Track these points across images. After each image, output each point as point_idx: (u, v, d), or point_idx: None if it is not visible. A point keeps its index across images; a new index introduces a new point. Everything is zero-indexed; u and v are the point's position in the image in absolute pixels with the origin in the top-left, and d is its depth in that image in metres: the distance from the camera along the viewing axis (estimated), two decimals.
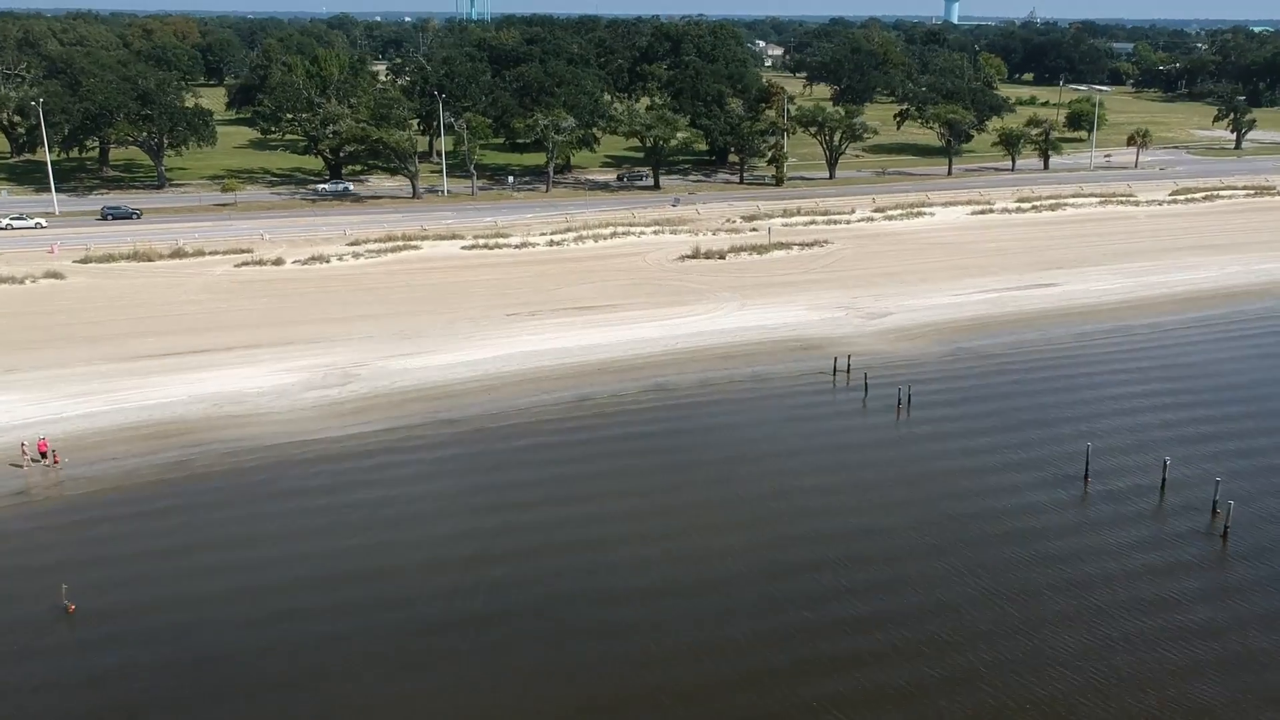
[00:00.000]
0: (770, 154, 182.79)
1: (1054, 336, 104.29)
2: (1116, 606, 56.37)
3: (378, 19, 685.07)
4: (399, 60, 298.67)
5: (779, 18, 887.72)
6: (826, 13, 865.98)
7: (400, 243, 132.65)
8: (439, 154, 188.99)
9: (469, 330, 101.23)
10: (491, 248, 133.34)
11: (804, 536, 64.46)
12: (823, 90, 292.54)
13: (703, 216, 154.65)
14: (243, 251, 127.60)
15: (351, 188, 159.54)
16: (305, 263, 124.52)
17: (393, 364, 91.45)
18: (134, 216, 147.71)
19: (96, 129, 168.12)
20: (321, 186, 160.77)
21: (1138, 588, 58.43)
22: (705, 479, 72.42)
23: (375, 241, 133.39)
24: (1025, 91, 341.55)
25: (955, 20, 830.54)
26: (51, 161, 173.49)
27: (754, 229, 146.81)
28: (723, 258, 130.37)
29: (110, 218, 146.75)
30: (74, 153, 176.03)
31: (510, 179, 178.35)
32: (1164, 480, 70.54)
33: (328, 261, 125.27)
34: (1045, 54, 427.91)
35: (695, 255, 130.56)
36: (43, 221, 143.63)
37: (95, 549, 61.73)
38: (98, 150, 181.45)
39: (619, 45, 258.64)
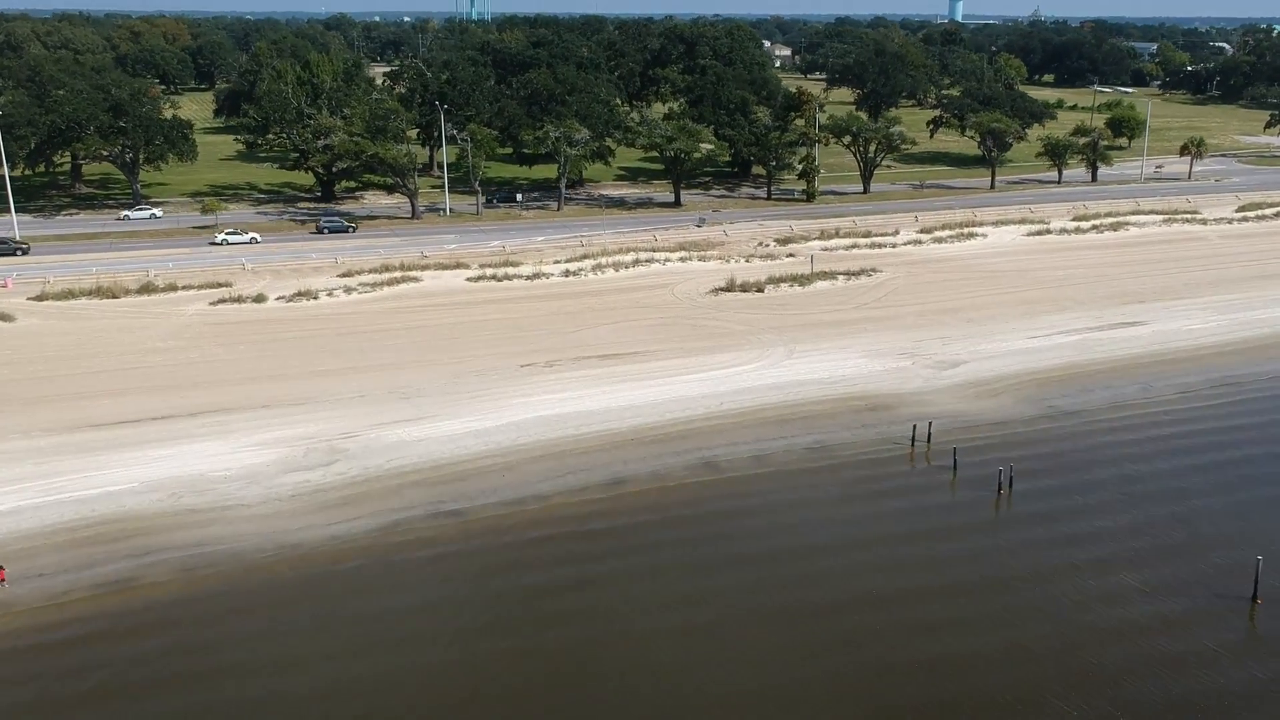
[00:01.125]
0: (801, 167, 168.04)
1: (1157, 391, 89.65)
2: None
3: (376, 19, 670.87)
4: (397, 62, 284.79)
5: (782, 16, 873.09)
6: (830, 12, 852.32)
7: (398, 274, 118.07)
8: (440, 167, 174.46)
9: (477, 386, 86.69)
10: (500, 279, 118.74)
11: (911, 664, 50.39)
12: (843, 94, 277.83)
13: (731, 239, 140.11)
14: (220, 285, 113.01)
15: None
16: (290, 299, 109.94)
17: (388, 434, 76.89)
18: (349, 230, 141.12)
19: (65, 143, 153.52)
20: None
21: None
22: (774, 585, 58.51)
23: (370, 272, 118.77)
24: (1049, 94, 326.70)
25: (960, 19, 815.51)
26: (16, 179, 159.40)
27: (790, 254, 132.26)
28: (761, 291, 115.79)
29: (328, 231, 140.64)
30: (40, 169, 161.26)
31: (518, 196, 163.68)
32: None
33: (315, 298, 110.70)
34: (1066, 55, 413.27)
35: (730, 288, 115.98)
36: (257, 236, 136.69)
37: None
38: (69, 166, 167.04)
39: (629, 48, 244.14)
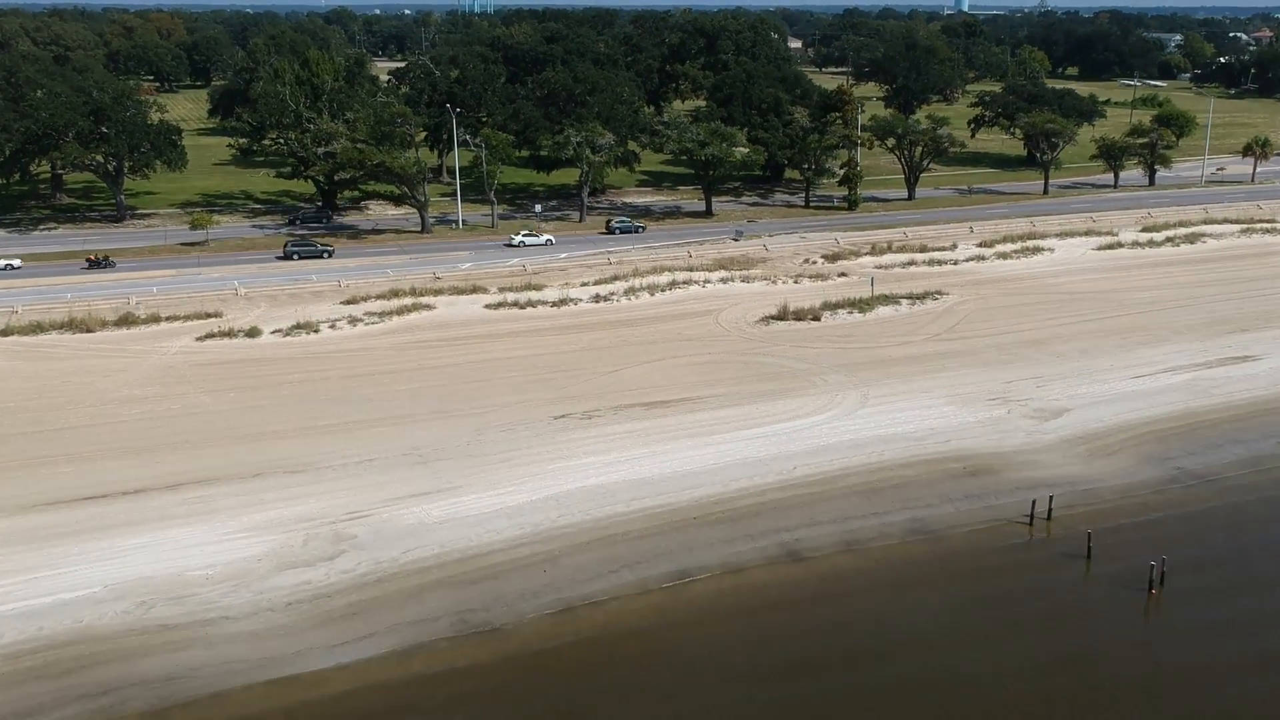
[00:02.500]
0: (843, 172, 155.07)
1: None
2: None
3: (376, 12, 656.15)
4: (401, 59, 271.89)
5: (788, 8, 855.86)
6: (836, 3, 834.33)
7: (409, 300, 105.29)
8: (450, 173, 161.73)
9: (506, 446, 73.92)
10: (523, 306, 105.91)
11: None
12: (870, 89, 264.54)
13: (773, 255, 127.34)
14: (209, 316, 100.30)
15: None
16: (288, 333, 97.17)
17: (403, 514, 64.20)
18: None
19: (41, 151, 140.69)
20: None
21: None
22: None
23: (377, 298, 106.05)
24: (1075, 88, 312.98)
25: (966, 9, 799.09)
26: None
27: (843, 273, 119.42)
28: (817, 319, 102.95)
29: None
30: (15, 178, 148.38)
31: (537, 207, 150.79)
32: None
33: (316, 331, 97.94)
34: (1091, 47, 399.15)
35: (782, 316, 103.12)
36: (552, 238, 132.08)
37: None
38: (49, 176, 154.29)
39: (646, 42, 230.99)
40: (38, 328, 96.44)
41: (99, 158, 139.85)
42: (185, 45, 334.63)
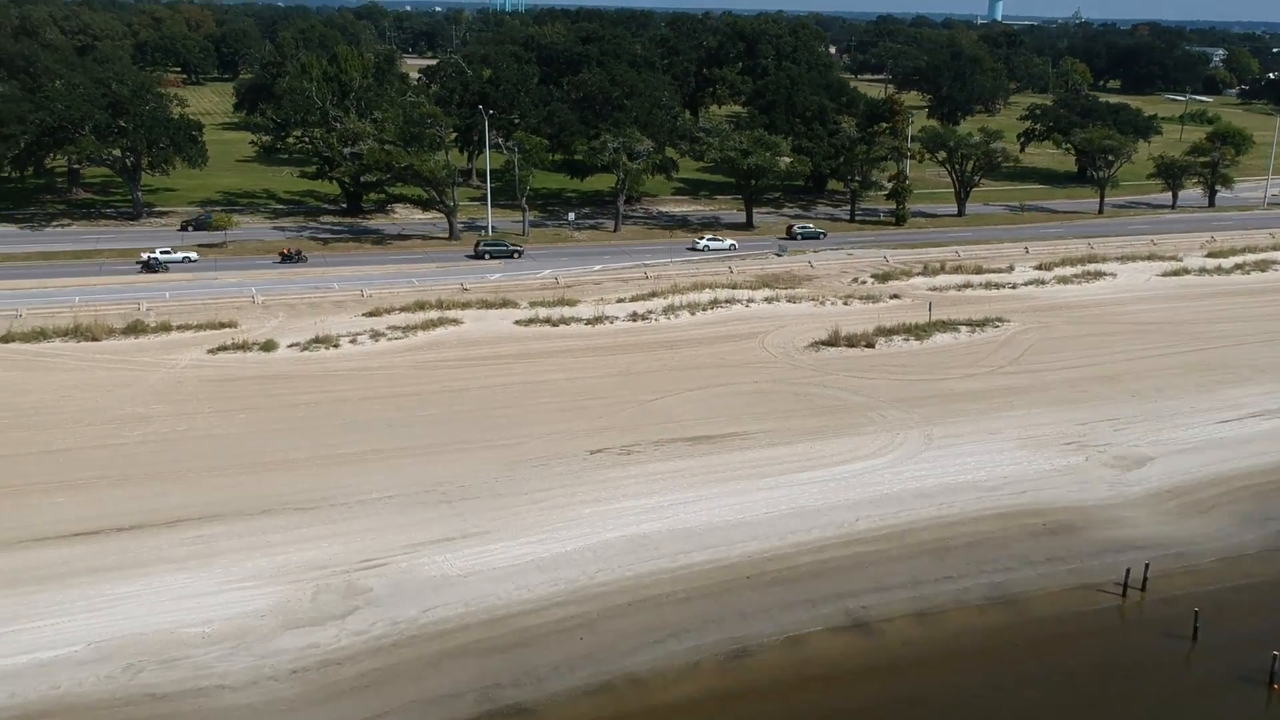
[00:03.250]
0: (891, 186, 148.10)
1: None
2: None
3: (408, 8, 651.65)
4: (431, 56, 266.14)
5: (822, 13, 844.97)
6: (869, 9, 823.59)
7: (434, 314, 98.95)
8: (480, 176, 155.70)
9: (537, 484, 67.49)
10: (555, 323, 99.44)
11: None
12: (911, 98, 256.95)
13: (819, 272, 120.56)
14: (223, 326, 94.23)
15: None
16: (305, 347, 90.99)
17: (424, 564, 57.79)
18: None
19: (57, 144, 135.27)
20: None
21: None
22: None
23: (401, 310, 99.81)
24: (1121, 102, 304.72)
25: (999, 19, 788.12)
26: (6, 182, 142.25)
27: (895, 295, 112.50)
28: (871, 346, 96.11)
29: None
30: (30, 171, 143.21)
31: (570, 215, 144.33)
32: None
33: (336, 345, 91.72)
34: (1135, 60, 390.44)
35: (833, 341, 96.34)
36: (735, 244, 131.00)
37: None
38: (65, 170, 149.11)
39: (683, 45, 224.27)
40: (41, 334, 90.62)
41: (116, 152, 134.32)
42: (214, 38, 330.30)
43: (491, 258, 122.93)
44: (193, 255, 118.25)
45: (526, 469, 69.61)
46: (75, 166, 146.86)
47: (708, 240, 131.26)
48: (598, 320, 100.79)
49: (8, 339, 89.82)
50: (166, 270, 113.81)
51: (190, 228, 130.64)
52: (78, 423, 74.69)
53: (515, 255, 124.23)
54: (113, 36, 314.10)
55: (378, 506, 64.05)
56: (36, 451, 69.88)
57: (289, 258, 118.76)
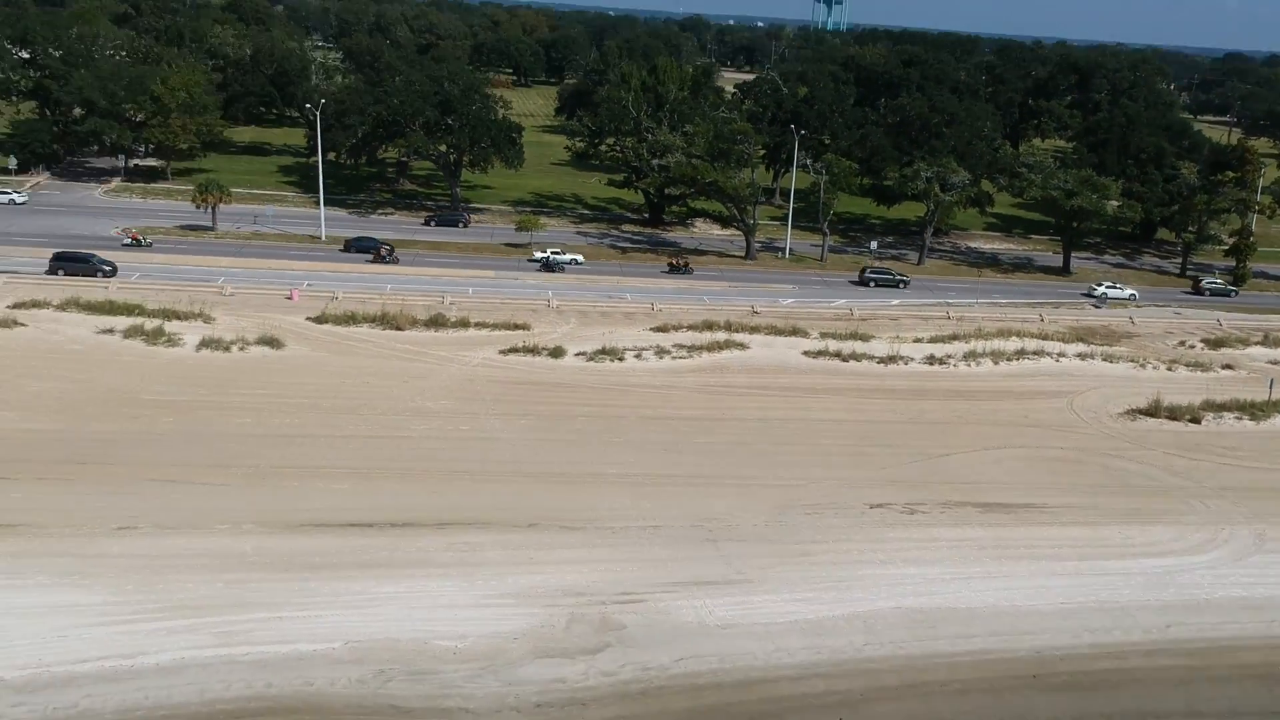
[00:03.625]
0: (1233, 242, 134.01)
1: None
2: None
3: (731, 22, 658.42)
4: (749, 70, 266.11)
5: (1162, 48, 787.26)
6: (1214, 45, 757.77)
7: (722, 336, 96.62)
8: (783, 195, 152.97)
9: (809, 533, 63.56)
10: (846, 358, 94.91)
11: None
12: (1263, 145, 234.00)
13: (1140, 330, 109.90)
14: (517, 328, 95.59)
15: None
16: (591, 357, 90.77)
17: (682, 607, 55.05)
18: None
19: (389, 137, 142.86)
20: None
21: None
22: None
23: (689, 329, 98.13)
24: None
25: None
26: (344, 169, 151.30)
27: (1227, 365, 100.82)
28: (1196, 421, 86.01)
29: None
30: (362, 160, 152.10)
31: (872, 243, 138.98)
32: None
33: (621, 359, 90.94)
34: None
35: (1153, 411, 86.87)
36: (1136, 293, 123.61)
37: None
38: (395, 161, 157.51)
39: (1010, 74, 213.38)
40: (351, 318, 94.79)
41: (443, 148, 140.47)
42: (545, 42, 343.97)
43: (877, 285, 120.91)
44: (579, 258, 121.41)
45: (799, 515, 65.80)
46: (403, 159, 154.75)
47: (1106, 287, 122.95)
48: (891, 359, 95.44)
49: (322, 319, 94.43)
50: (563, 271, 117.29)
51: (433, 223, 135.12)
52: (370, 410, 77.04)
53: (901, 285, 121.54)
54: (454, 37, 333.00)
55: (642, 536, 62.03)
56: (328, 434, 72.37)
57: (676, 269, 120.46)
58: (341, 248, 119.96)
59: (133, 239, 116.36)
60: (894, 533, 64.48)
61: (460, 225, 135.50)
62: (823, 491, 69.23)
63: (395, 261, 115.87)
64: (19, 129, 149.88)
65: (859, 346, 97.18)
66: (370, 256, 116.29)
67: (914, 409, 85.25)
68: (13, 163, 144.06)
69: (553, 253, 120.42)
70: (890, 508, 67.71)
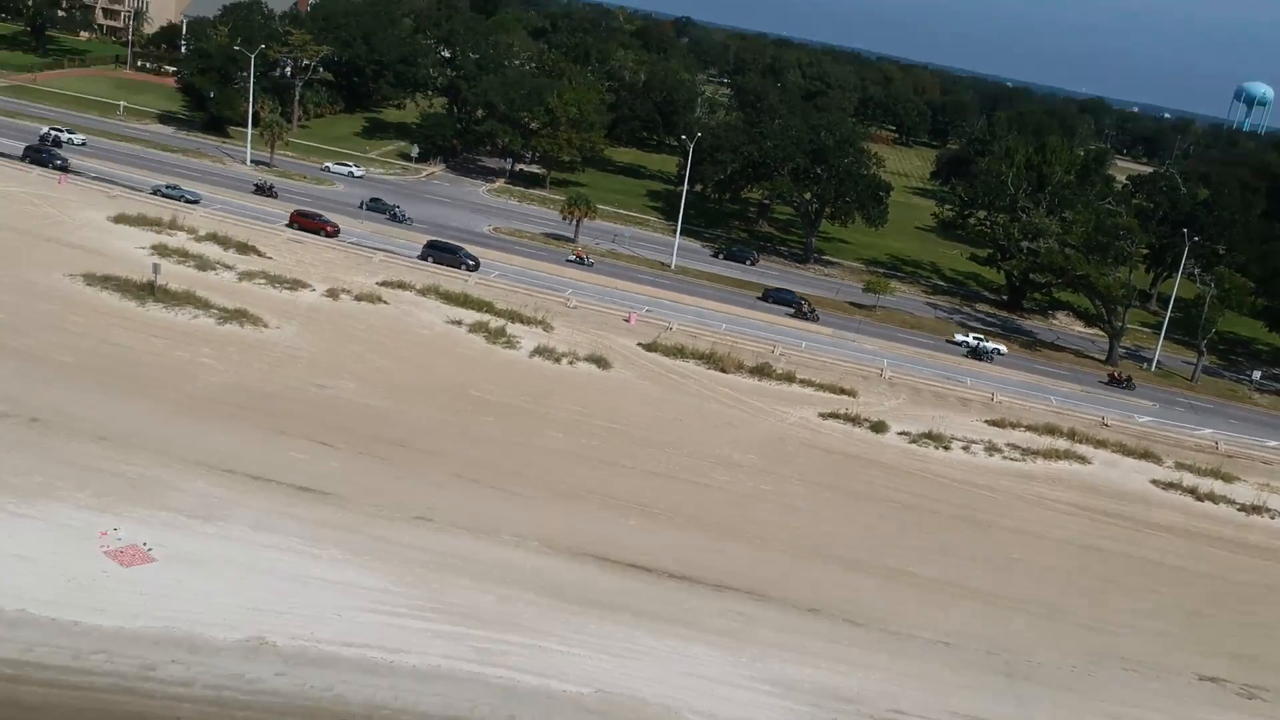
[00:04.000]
0: None
1: None
2: None
3: (1135, 109, 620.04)
4: (1146, 163, 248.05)
5: None
6: None
7: (1063, 444, 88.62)
8: (1160, 302, 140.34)
9: (1118, 692, 56.04)
10: (1200, 497, 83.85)
11: None
12: None
13: None
14: (842, 392, 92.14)
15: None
16: (914, 439, 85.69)
17: None
18: None
19: (757, 178, 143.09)
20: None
21: None
22: None
23: (1028, 428, 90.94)
24: None
25: None
26: (707, 202, 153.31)
27: None
28: None
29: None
30: (726, 197, 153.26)
31: (1255, 373, 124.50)
32: None
33: (947, 447, 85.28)
34: None
35: None
36: None
37: None
38: (758, 203, 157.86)
39: None
40: (679, 351, 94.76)
41: (807, 195, 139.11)
42: (933, 104, 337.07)
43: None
44: (1002, 349, 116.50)
45: (1112, 669, 58.38)
46: (766, 201, 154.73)
47: None
48: (1256, 509, 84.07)
49: (652, 348, 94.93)
50: (990, 361, 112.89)
51: (721, 256, 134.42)
52: (676, 449, 76.08)
53: None
54: (844, 87, 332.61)
55: (928, 649, 56.97)
56: (630, 465, 71.98)
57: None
58: (760, 295, 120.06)
59: (577, 256, 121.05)
60: (1222, 717, 55.81)
61: (748, 262, 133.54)
62: (1144, 647, 61.25)
63: (816, 319, 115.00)
64: (427, 120, 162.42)
65: (1219, 486, 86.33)
66: (792, 310, 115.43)
67: (1275, 573, 74.41)
68: (415, 151, 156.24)
69: (976, 338, 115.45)
70: (1224, 686, 58.82)
